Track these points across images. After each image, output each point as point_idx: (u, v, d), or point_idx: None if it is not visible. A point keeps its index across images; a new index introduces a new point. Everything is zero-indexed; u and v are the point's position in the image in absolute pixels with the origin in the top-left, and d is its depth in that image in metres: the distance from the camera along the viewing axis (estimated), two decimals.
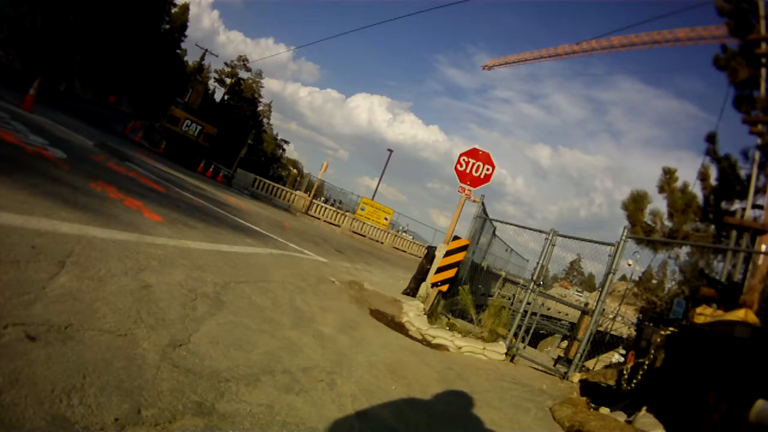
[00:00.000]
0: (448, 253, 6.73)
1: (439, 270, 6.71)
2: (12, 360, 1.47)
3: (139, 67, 35.59)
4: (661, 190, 8.30)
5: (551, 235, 6.08)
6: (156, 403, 1.64)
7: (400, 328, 5.23)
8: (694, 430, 3.37)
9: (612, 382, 4.94)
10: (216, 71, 50.30)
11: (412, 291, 7.60)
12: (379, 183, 31.71)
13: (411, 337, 5.02)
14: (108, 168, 7.06)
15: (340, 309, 4.72)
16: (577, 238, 6.28)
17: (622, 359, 7.99)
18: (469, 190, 7.23)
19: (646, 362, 4.53)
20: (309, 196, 23.12)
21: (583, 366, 6.19)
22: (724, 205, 7.72)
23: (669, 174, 8.28)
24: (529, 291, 6.29)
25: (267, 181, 24.56)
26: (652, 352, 4.57)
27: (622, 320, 16.91)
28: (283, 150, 64.50)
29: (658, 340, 4.62)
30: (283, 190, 24.50)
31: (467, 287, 6.64)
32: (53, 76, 24.04)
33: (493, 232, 9.86)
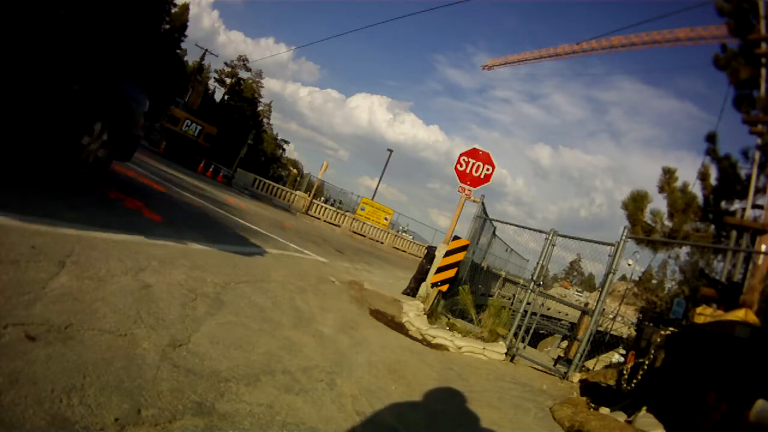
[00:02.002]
0: (448, 253, 6.74)
1: (439, 270, 6.71)
2: (12, 360, 1.46)
3: None
4: (661, 190, 8.31)
5: (551, 235, 6.09)
6: (156, 403, 1.64)
7: (400, 328, 5.24)
8: (694, 430, 3.37)
9: (612, 382, 4.94)
10: (216, 71, 50.31)
11: (412, 291, 7.61)
12: (379, 183, 31.77)
13: (411, 337, 5.02)
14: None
15: (340, 309, 4.72)
16: (577, 238, 6.29)
17: (622, 359, 7.99)
18: (469, 190, 7.24)
19: (646, 362, 4.53)
20: (309, 196, 23.12)
21: (583, 366, 6.19)
22: (724, 205, 7.72)
23: (669, 174, 8.29)
24: (529, 291, 6.29)
25: (267, 181, 24.62)
26: (652, 352, 4.57)
27: (622, 320, 16.88)
28: (283, 150, 64.46)
29: (658, 340, 4.62)
30: (283, 190, 24.54)
31: (467, 287, 6.64)
32: None
33: (493, 232, 9.87)
